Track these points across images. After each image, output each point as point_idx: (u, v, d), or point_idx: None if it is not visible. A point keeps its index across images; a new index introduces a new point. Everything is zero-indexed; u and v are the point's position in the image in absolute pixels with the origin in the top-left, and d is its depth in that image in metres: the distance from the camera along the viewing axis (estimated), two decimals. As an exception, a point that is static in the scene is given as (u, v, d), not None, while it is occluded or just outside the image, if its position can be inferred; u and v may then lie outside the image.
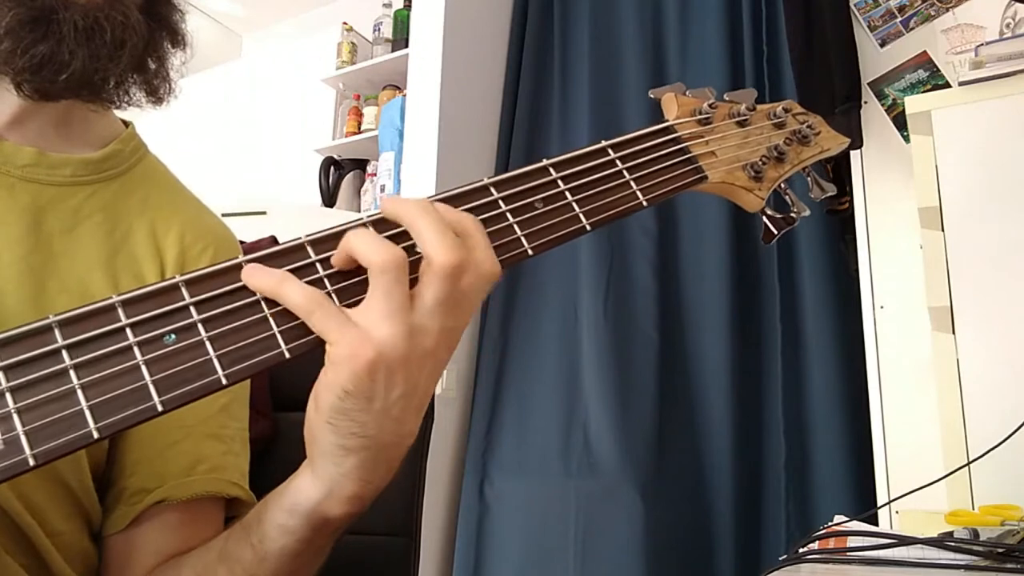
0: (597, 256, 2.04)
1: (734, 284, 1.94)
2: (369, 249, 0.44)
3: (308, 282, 0.44)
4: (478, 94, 2.34)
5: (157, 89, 0.67)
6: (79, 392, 0.39)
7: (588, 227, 0.52)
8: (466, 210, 0.49)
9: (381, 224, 0.47)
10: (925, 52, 1.83)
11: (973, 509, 1.18)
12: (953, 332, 1.33)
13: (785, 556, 0.83)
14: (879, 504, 1.57)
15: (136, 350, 0.41)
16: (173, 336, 0.42)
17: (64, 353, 0.40)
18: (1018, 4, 1.67)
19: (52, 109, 0.64)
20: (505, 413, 2.02)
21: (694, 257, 2.01)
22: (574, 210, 0.52)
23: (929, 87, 1.80)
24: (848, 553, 0.80)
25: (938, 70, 1.81)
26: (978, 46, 1.55)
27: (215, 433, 0.65)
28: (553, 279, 2.09)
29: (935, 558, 0.76)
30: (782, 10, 1.91)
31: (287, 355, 0.43)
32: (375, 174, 2.51)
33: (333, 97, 2.90)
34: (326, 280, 0.45)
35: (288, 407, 0.88)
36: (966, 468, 1.17)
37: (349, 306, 0.45)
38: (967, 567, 0.73)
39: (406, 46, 2.56)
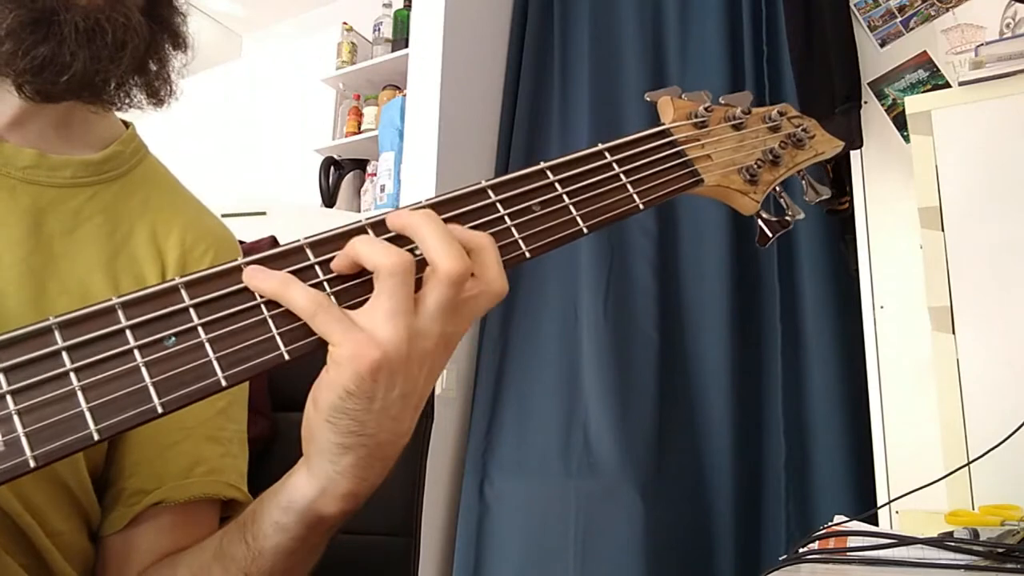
0: (597, 256, 2.04)
1: (734, 284, 1.94)
2: (377, 253, 0.44)
3: (308, 285, 0.44)
4: (478, 94, 2.34)
5: (158, 91, 0.67)
6: (79, 394, 0.39)
7: (585, 230, 0.52)
8: (464, 212, 0.49)
9: (380, 227, 0.47)
10: (925, 52, 1.83)
11: (973, 509, 1.18)
12: (953, 332, 1.33)
13: (785, 556, 0.83)
14: (879, 504, 1.57)
15: (136, 352, 0.41)
16: (173, 338, 0.42)
17: (65, 355, 0.40)
18: (1018, 4, 1.67)
19: (53, 111, 0.64)
20: (505, 413, 2.02)
21: (694, 257, 2.01)
22: (571, 213, 0.52)
23: (929, 87, 1.80)
24: (848, 553, 0.80)
25: (938, 70, 1.81)
26: (978, 46, 1.55)
27: (213, 435, 0.65)
28: (553, 279, 2.09)
29: (935, 558, 0.77)
30: (782, 10, 1.91)
31: (287, 357, 0.43)
32: (375, 174, 2.51)
33: (333, 97, 2.90)
34: (326, 283, 0.45)
35: (287, 407, 0.88)
36: (966, 468, 1.17)
37: (348, 308, 0.45)
38: (967, 567, 0.73)
39: (406, 46, 2.56)
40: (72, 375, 0.40)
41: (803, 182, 0.67)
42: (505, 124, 2.35)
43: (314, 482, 0.48)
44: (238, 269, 0.44)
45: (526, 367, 2.05)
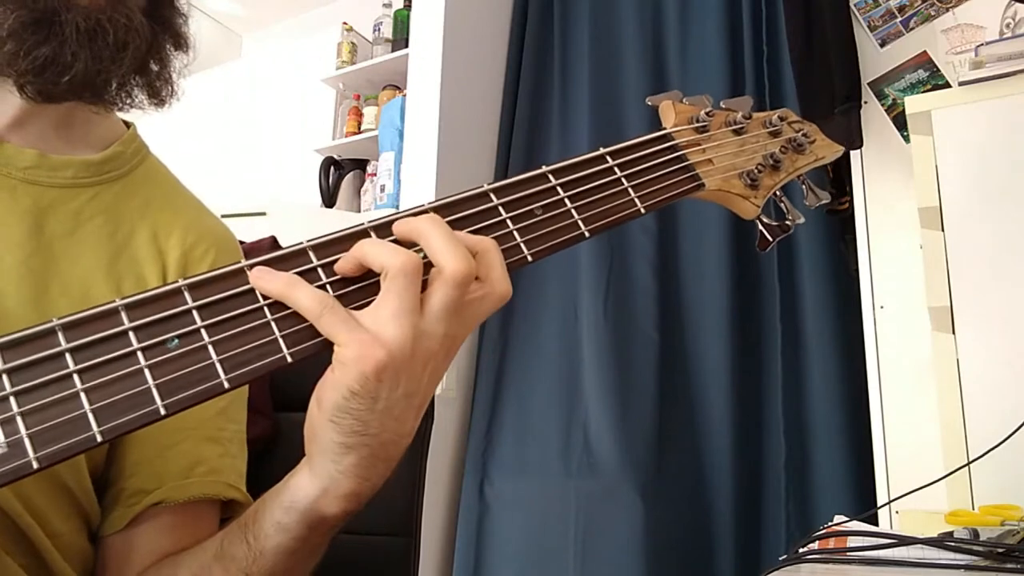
0: (597, 256, 2.04)
1: (734, 284, 1.94)
2: (385, 254, 0.45)
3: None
4: (478, 94, 2.34)
5: (159, 91, 0.67)
6: (82, 396, 0.39)
7: (587, 234, 0.52)
8: (466, 216, 0.50)
9: (383, 230, 0.48)
10: (925, 52, 1.83)
11: (973, 509, 1.18)
12: (953, 332, 1.33)
13: (785, 556, 0.83)
14: (879, 504, 1.57)
15: (139, 354, 0.41)
16: (176, 341, 0.42)
17: (68, 357, 0.40)
18: (1018, 4, 1.67)
19: (54, 111, 0.64)
20: (505, 413, 2.02)
21: (694, 257, 2.01)
22: (573, 217, 0.52)
23: (929, 87, 1.80)
24: (848, 553, 0.80)
25: (938, 70, 1.81)
26: (978, 46, 1.55)
27: (213, 436, 0.65)
28: (553, 279, 2.09)
29: (935, 558, 0.77)
30: (782, 10, 1.91)
31: (289, 359, 0.44)
32: (375, 174, 2.51)
33: (333, 97, 2.90)
34: (329, 286, 0.46)
35: (289, 407, 0.88)
36: (966, 468, 1.17)
37: (353, 310, 0.45)
38: (967, 567, 0.73)
39: (406, 46, 2.56)
40: (75, 377, 0.40)
41: (803, 187, 0.67)
42: (505, 124, 2.35)
43: (316, 482, 0.49)
44: (241, 271, 0.45)
45: (526, 367, 2.05)
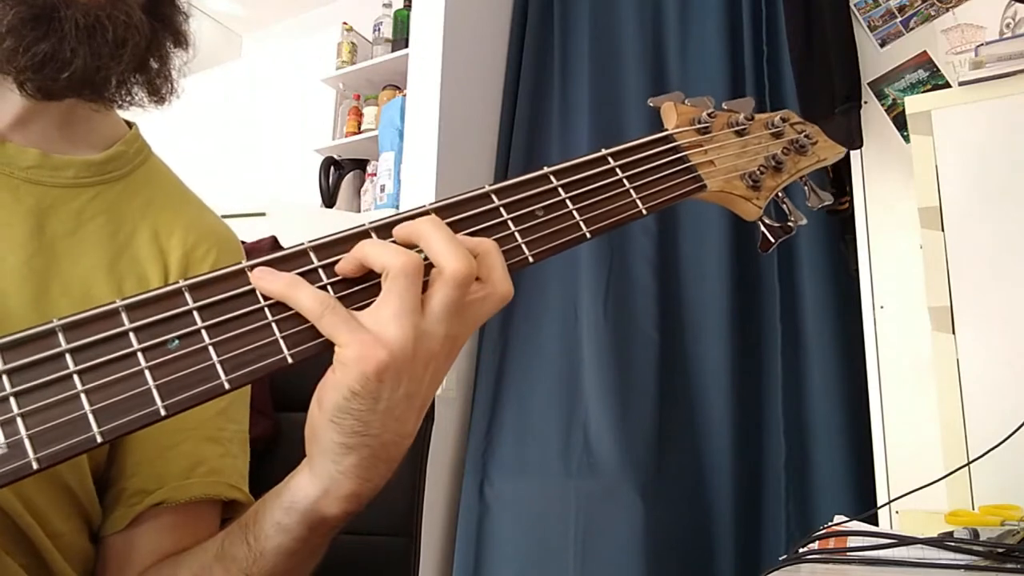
0: (597, 256, 2.04)
1: (734, 284, 1.94)
2: (386, 254, 0.45)
3: None
4: (478, 94, 2.34)
5: (159, 89, 0.67)
6: (83, 396, 0.39)
7: (588, 235, 0.52)
8: (467, 217, 0.50)
9: (383, 231, 0.48)
10: (925, 52, 1.83)
11: (973, 509, 1.18)
12: (953, 332, 1.33)
13: (785, 556, 0.83)
14: (879, 504, 1.57)
15: (140, 355, 0.41)
16: (177, 341, 0.42)
17: (68, 357, 0.40)
18: (1018, 4, 1.67)
19: (55, 110, 0.64)
20: (505, 413, 2.02)
21: (694, 257, 2.01)
22: (574, 218, 0.52)
23: (929, 87, 1.80)
24: (848, 553, 0.80)
25: (938, 70, 1.81)
26: (978, 46, 1.55)
27: (213, 436, 0.65)
28: (553, 279, 2.09)
29: (935, 558, 0.77)
30: (782, 10, 1.91)
31: (290, 360, 0.43)
32: (375, 174, 2.51)
33: (333, 97, 2.90)
34: (329, 287, 0.46)
35: (289, 407, 0.88)
36: (966, 468, 1.17)
37: (353, 311, 0.45)
38: (967, 567, 0.73)
39: (406, 46, 2.56)
40: (75, 378, 0.40)
41: (805, 188, 0.67)
42: (505, 124, 2.35)
43: (317, 482, 0.48)
44: (242, 272, 0.45)
45: (526, 367, 2.05)
